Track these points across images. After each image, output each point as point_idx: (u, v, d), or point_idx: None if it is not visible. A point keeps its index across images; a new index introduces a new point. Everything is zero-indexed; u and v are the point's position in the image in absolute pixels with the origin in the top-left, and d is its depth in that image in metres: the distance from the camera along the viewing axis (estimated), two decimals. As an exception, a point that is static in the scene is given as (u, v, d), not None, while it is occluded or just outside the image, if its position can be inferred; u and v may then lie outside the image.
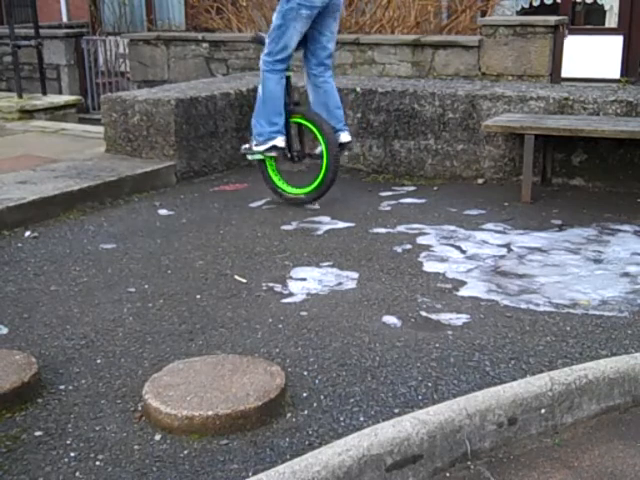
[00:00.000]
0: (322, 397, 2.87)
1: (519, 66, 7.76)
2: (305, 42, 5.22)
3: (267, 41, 5.13)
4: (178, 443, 2.59)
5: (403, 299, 3.75)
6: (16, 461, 2.52)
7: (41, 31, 9.54)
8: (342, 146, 5.28)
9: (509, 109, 5.84)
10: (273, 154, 5.22)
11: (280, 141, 5.14)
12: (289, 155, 5.36)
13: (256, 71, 8.31)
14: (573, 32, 9.61)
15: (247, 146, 5.37)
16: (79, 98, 9.57)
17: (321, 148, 5.15)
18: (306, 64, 5.32)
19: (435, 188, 5.82)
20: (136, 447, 2.58)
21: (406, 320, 3.52)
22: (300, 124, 5.33)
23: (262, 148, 5.19)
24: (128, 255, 4.40)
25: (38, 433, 2.67)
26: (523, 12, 11.83)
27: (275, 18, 5.06)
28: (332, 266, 4.19)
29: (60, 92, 11.15)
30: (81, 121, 8.83)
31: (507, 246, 4.49)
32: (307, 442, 2.59)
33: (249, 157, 5.45)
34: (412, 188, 5.84)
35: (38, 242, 4.62)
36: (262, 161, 5.34)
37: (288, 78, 5.24)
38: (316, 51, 5.23)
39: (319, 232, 4.77)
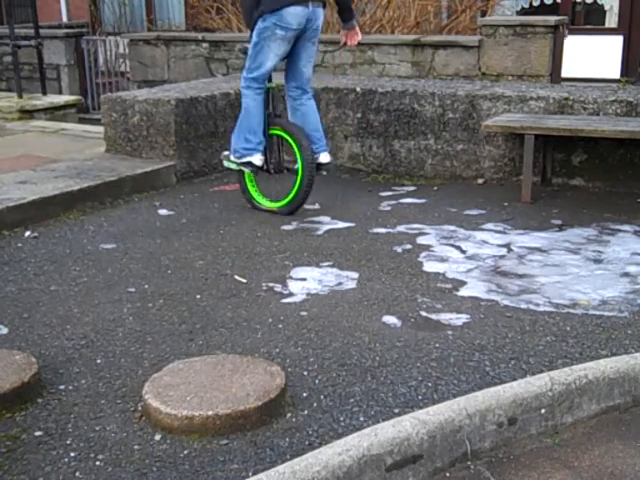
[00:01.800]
0: (322, 397, 2.87)
1: (519, 66, 7.77)
2: (286, 63, 5.18)
3: (247, 57, 5.08)
4: (178, 443, 2.59)
5: (403, 299, 3.75)
6: (16, 461, 2.52)
7: (41, 31, 9.54)
8: (320, 166, 5.14)
9: (509, 109, 5.84)
10: (248, 169, 5.16)
11: (256, 159, 5.08)
12: (265, 167, 5.24)
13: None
14: (573, 32, 9.61)
15: (226, 153, 5.32)
16: (79, 98, 9.57)
17: (298, 163, 5.06)
18: (286, 85, 5.25)
19: (435, 188, 5.82)
20: (136, 447, 2.58)
21: (406, 320, 3.52)
22: (279, 136, 5.23)
23: (238, 161, 5.15)
24: (128, 255, 4.40)
25: (38, 433, 2.67)
26: (523, 12, 11.84)
27: (253, 35, 4.99)
28: (332, 266, 4.19)
29: (60, 92, 11.15)
30: (81, 121, 8.83)
31: (507, 246, 4.49)
32: (307, 442, 2.59)
33: (225, 164, 5.33)
34: (412, 188, 5.84)
35: (38, 242, 4.62)
36: (240, 171, 5.26)
37: (270, 90, 5.17)
38: (294, 74, 5.17)
39: (319, 232, 4.77)
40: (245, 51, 5.22)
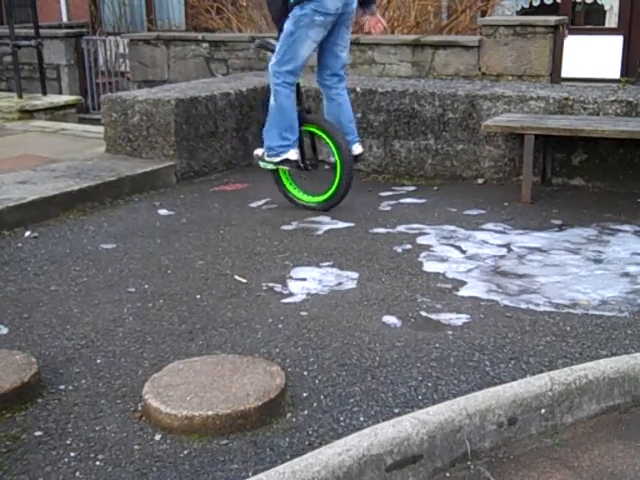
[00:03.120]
0: (322, 397, 2.87)
1: (519, 66, 7.76)
2: (318, 53, 5.10)
3: (276, 49, 4.96)
4: (178, 443, 2.59)
5: (403, 299, 3.75)
6: (16, 461, 2.52)
7: (41, 31, 9.54)
8: (355, 158, 5.18)
9: (509, 109, 5.84)
10: (285, 167, 5.14)
11: (292, 154, 5.02)
12: (302, 165, 5.22)
13: (256, 70, 8.35)
14: (573, 32, 9.61)
15: (259, 154, 5.20)
16: (79, 98, 9.57)
17: (334, 158, 5.07)
18: (319, 75, 5.19)
19: (435, 188, 5.82)
20: (136, 447, 2.58)
21: (406, 320, 3.52)
22: (313, 133, 5.23)
23: (275, 160, 5.07)
24: (128, 255, 4.40)
25: (38, 433, 2.67)
26: (523, 12, 11.84)
27: (287, 25, 4.85)
28: (332, 266, 4.19)
29: (60, 92, 11.15)
30: (81, 121, 8.83)
31: (507, 246, 4.49)
32: (307, 442, 2.59)
33: (261, 165, 5.25)
34: (412, 188, 5.84)
35: (38, 242, 4.62)
36: (275, 169, 5.25)
37: (297, 85, 5.11)
38: (329, 61, 5.11)
39: (319, 232, 4.77)
40: (263, 45, 5.22)
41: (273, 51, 5.05)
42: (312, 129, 5.19)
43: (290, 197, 5.30)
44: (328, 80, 5.15)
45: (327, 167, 5.26)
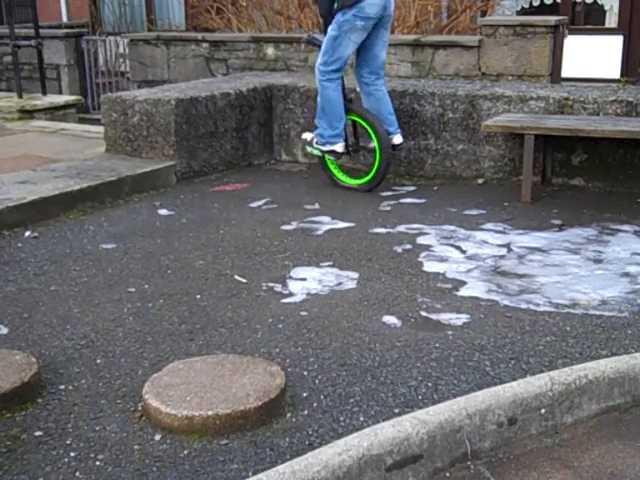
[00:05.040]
0: (322, 397, 2.87)
1: (519, 66, 7.76)
2: (358, 51, 5.49)
3: (322, 50, 5.42)
4: (178, 443, 2.59)
5: (403, 299, 3.75)
6: (16, 461, 2.52)
7: (41, 31, 9.54)
8: (395, 147, 5.63)
9: (509, 109, 5.84)
10: (332, 158, 5.67)
11: (339, 147, 5.55)
12: (345, 151, 5.67)
13: (256, 70, 8.35)
14: (573, 32, 9.60)
15: (308, 138, 5.71)
16: (79, 98, 9.57)
17: (373, 144, 5.55)
18: (358, 72, 5.60)
19: (435, 188, 5.82)
20: (136, 447, 2.58)
21: (406, 320, 3.52)
22: (355, 122, 5.71)
23: (323, 149, 5.59)
24: (128, 255, 4.40)
25: (38, 433, 2.67)
26: (523, 12, 11.83)
27: (331, 29, 5.31)
28: (332, 266, 4.19)
29: (60, 92, 11.14)
30: (81, 121, 8.83)
31: (507, 246, 4.49)
32: (307, 442, 2.59)
33: (308, 150, 5.78)
34: (412, 188, 5.84)
35: (38, 242, 4.62)
36: (321, 155, 5.74)
37: (342, 79, 5.55)
38: (369, 60, 5.52)
39: (319, 232, 4.77)
40: (311, 41, 5.77)
41: (319, 47, 5.54)
42: (355, 118, 5.69)
43: (335, 180, 5.81)
44: (367, 78, 5.58)
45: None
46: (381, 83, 5.60)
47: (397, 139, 5.62)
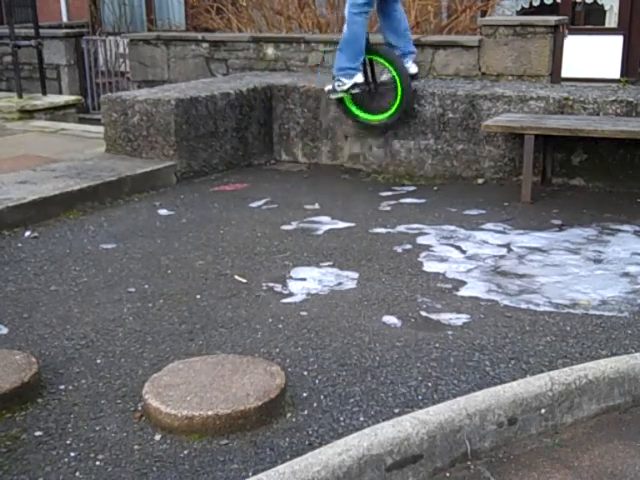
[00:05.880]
0: (322, 397, 2.87)
1: (519, 66, 7.75)
2: None
3: None
4: (178, 443, 2.59)
5: (403, 299, 3.75)
6: (16, 461, 2.52)
7: (41, 31, 9.53)
8: (413, 77, 6.09)
9: (509, 109, 5.84)
10: (356, 91, 5.97)
11: (359, 77, 5.89)
12: (367, 88, 6.06)
13: (256, 70, 8.35)
14: (573, 32, 9.59)
15: (330, 87, 6.05)
16: (79, 98, 9.56)
17: (389, 75, 5.99)
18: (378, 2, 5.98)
19: (435, 188, 5.82)
20: (136, 447, 2.58)
21: (406, 320, 3.52)
22: (372, 60, 6.09)
23: (345, 87, 5.91)
24: (128, 255, 4.40)
25: (38, 433, 2.67)
26: (523, 12, 11.82)
27: None
28: (332, 266, 4.19)
29: (60, 92, 11.13)
30: (81, 121, 8.83)
31: (507, 246, 4.49)
32: (307, 442, 2.59)
33: (332, 96, 6.12)
34: (412, 188, 5.84)
35: (38, 242, 4.62)
36: (341, 99, 6.11)
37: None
38: None
39: (319, 232, 4.77)
40: None
41: None
42: (373, 57, 6.07)
43: (358, 120, 6.19)
44: (384, 2, 6.01)
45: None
46: (398, 4, 6.07)
47: (413, 69, 6.10)
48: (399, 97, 5.96)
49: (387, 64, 6.01)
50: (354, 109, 6.18)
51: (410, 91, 5.97)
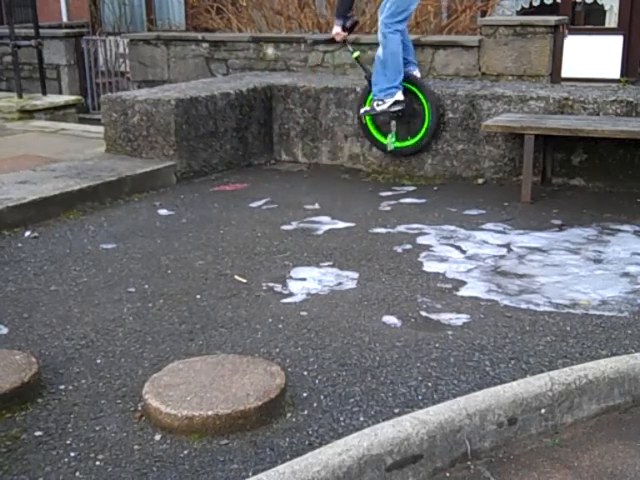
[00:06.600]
0: (322, 397, 2.87)
1: (519, 66, 7.75)
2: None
3: (387, 5, 5.74)
4: (178, 443, 2.59)
5: (403, 299, 3.75)
6: (16, 461, 2.52)
7: (41, 31, 9.54)
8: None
9: (509, 109, 5.84)
10: (398, 108, 5.86)
11: (400, 95, 5.82)
12: (404, 107, 5.94)
13: (256, 70, 8.34)
14: (573, 32, 9.59)
15: (367, 109, 5.99)
16: (79, 98, 9.56)
17: (422, 105, 5.97)
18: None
19: (435, 188, 5.82)
20: (136, 447, 2.58)
21: (406, 320, 3.52)
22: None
23: (386, 106, 5.83)
24: (128, 255, 4.40)
25: (38, 433, 2.67)
26: (523, 12, 11.82)
27: None
28: (332, 266, 4.19)
29: (60, 92, 11.13)
30: (81, 121, 8.83)
31: (507, 246, 4.49)
32: (307, 442, 2.59)
33: (367, 119, 6.09)
34: (412, 188, 5.84)
35: (38, 242, 4.62)
36: (365, 124, 6.13)
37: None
38: None
39: (319, 232, 4.77)
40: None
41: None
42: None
43: (380, 145, 6.15)
44: None
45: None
46: (406, 30, 6.07)
47: (417, 73, 6.12)
48: (426, 124, 5.95)
49: (417, 91, 5.98)
50: (378, 136, 6.15)
51: (439, 119, 5.95)
